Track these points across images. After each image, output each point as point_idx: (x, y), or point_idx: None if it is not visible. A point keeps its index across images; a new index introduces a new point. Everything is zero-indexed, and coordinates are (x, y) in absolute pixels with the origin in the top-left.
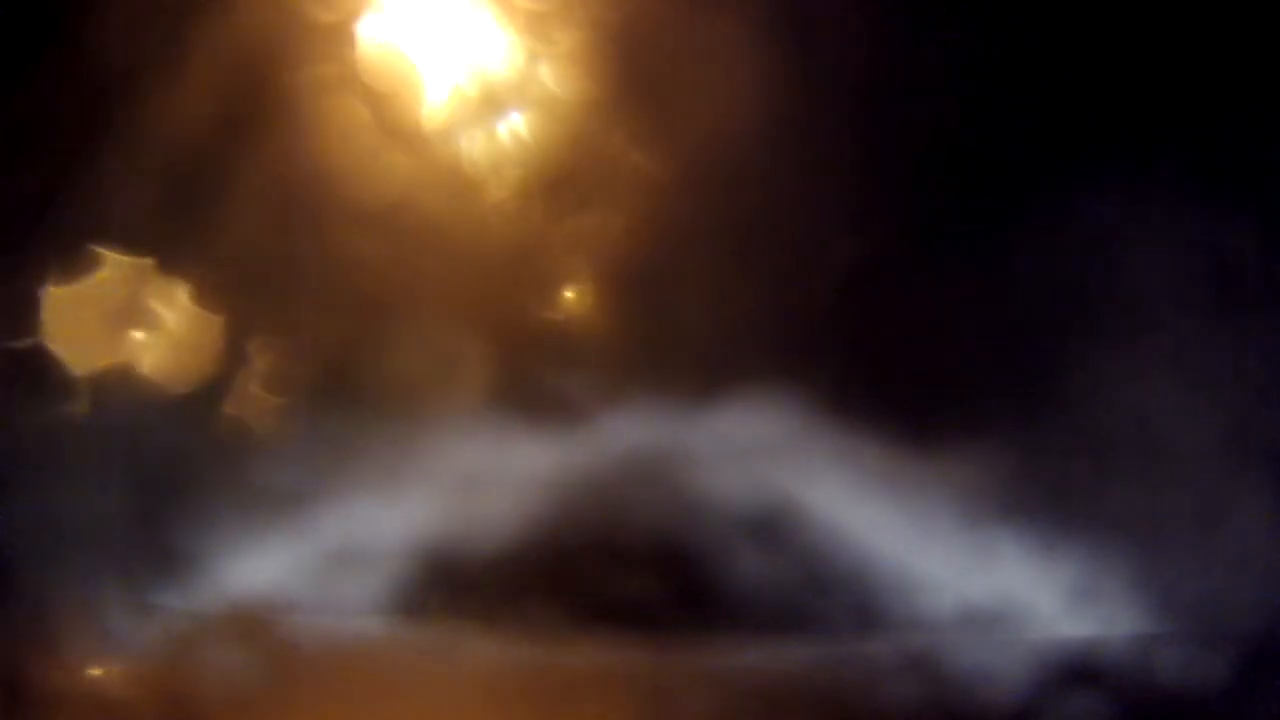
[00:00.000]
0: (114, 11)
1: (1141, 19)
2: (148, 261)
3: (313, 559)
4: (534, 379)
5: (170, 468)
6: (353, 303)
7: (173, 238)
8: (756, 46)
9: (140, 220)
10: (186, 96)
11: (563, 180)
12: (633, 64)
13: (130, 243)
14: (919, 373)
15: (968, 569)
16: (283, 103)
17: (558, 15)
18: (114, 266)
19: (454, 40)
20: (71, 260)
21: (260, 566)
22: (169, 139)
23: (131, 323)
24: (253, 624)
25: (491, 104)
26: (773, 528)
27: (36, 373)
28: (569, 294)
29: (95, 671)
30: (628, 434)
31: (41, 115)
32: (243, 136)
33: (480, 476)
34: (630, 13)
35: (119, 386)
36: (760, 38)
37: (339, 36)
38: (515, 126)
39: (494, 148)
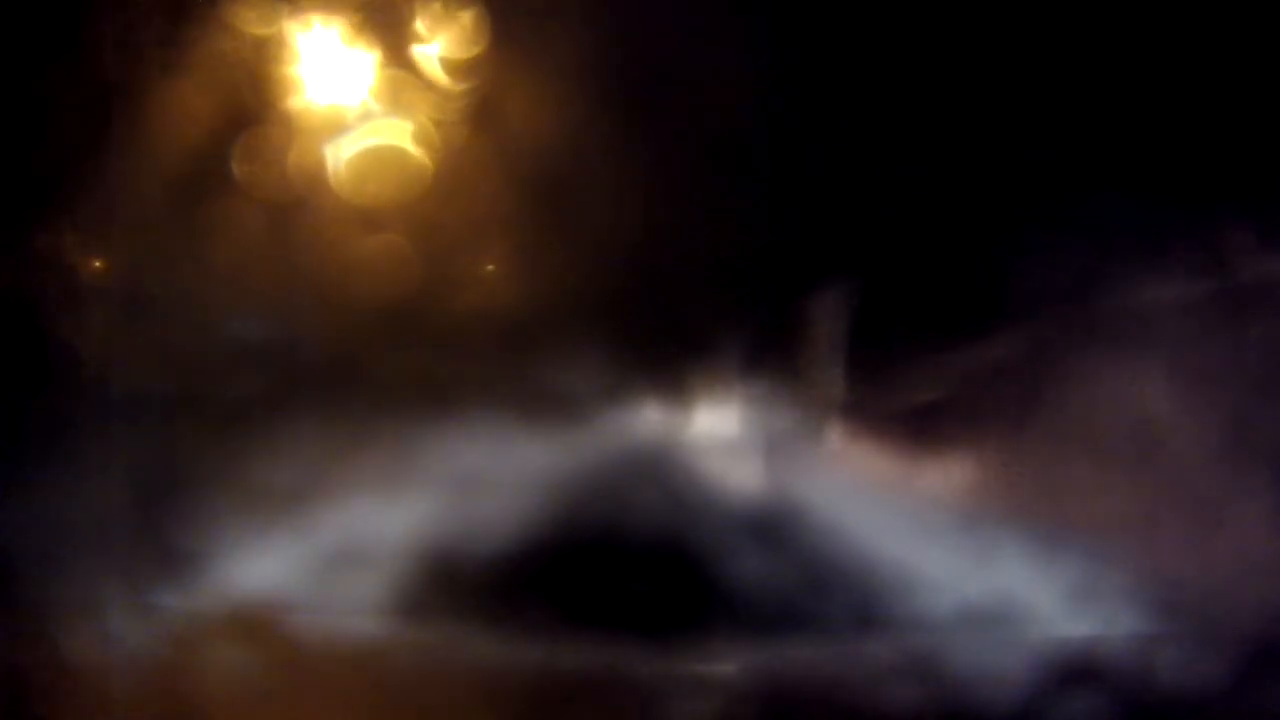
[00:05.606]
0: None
1: (1139, 21)
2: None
3: (313, 559)
4: (534, 379)
5: (170, 468)
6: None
7: (171, 237)
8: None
9: (140, 220)
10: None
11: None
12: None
13: (129, 241)
14: (919, 372)
15: (968, 569)
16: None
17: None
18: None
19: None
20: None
21: (260, 566)
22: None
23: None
24: (253, 624)
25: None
26: (773, 528)
27: (39, 371)
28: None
29: (95, 671)
30: (628, 433)
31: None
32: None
33: (480, 476)
34: None
35: (120, 385)
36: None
37: None
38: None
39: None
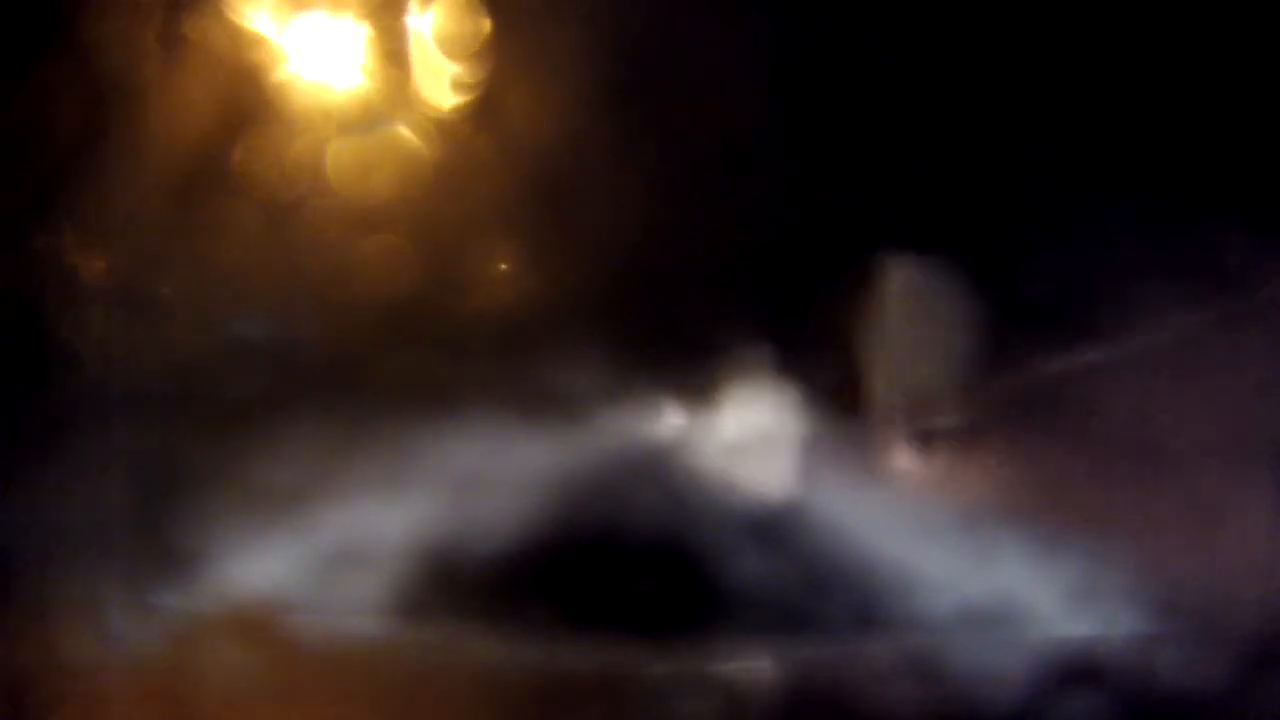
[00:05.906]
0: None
1: (1139, 23)
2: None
3: (313, 559)
4: (534, 379)
5: (170, 468)
6: (352, 302)
7: (171, 237)
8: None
9: (140, 220)
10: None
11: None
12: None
13: (129, 241)
14: (919, 372)
15: (968, 569)
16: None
17: None
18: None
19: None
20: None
21: (260, 566)
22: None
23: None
24: (253, 624)
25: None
26: (773, 528)
27: (39, 371)
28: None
29: (95, 671)
30: (628, 433)
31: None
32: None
33: (480, 476)
34: None
35: (120, 385)
36: None
37: None
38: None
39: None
